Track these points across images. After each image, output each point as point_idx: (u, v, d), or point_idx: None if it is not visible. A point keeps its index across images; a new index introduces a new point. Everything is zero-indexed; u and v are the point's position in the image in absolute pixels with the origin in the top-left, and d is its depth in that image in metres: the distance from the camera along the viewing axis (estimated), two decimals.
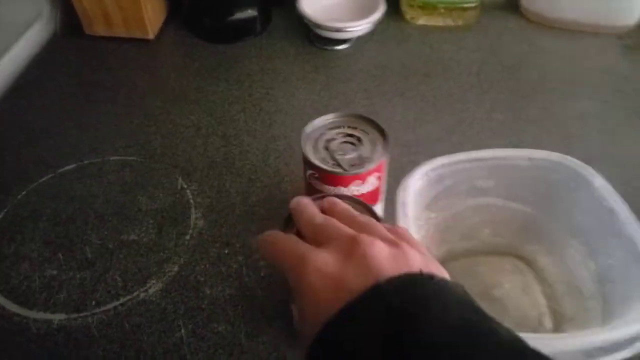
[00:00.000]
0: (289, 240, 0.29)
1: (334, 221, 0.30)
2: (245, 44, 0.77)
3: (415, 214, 0.46)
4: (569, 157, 0.45)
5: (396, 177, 0.57)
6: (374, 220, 0.31)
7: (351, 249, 0.26)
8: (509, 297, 0.47)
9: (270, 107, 0.67)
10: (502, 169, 0.46)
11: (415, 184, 0.44)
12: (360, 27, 0.73)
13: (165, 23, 0.80)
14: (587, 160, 0.59)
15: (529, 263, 0.49)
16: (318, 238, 0.29)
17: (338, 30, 0.72)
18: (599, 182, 0.43)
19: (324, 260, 0.26)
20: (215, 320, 0.46)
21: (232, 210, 0.55)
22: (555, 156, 0.45)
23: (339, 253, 0.26)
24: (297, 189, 0.51)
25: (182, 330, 0.45)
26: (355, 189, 0.44)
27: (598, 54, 0.74)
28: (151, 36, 0.77)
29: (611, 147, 0.61)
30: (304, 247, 0.28)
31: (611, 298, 0.40)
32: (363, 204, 0.39)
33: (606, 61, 0.73)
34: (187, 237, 0.52)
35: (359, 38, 0.76)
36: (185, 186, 0.57)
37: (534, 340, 0.31)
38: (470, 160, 0.46)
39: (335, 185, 0.43)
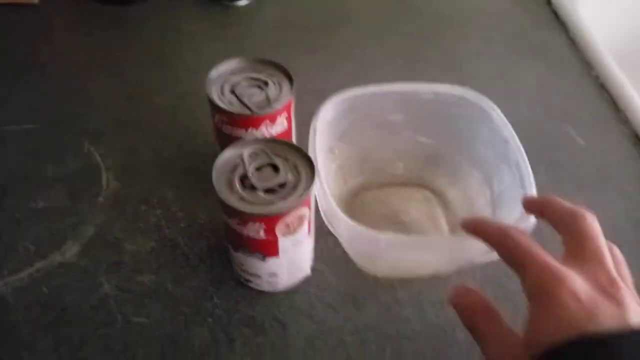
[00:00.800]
0: (536, 247, 0.29)
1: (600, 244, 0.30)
2: (140, 6, 0.74)
3: (330, 143, 0.49)
4: (470, 91, 0.48)
5: (307, 121, 0.59)
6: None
7: (609, 289, 0.27)
8: (414, 222, 0.51)
9: (177, 65, 0.66)
10: (410, 103, 0.49)
11: (328, 113, 0.47)
12: None
13: None
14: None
15: (438, 194, 0.53)
16: (577, 254, 0.29)
17: None
18: (496, 114, 0.47)
19: (581, 287, 0.26)
20: (139, 273, 0.46)
21: (144, 168, 0.54)
22: (457, 90, 0.49)
23: (595, 287, 0.27)
24: (209, 143, 0.51)
25: (106, 286, 0.45)
26: (267, 131, 0.45)
27: None
28: (35, 0, 0.72)
29: (500, 81, 0.66)
30: (555, 262, 0.28)
31: (499, 218, 0.45)
32: (284, 142, 0.41)
33: (488, 2, 0.79)
34: (101, 198, 0.52)
35: None
36: (93, 149, 0.56)
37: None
38: (381, 93, 0.48)
39: (245, 127, 0.44)
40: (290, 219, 0.37)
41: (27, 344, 0.41)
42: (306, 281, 0.46)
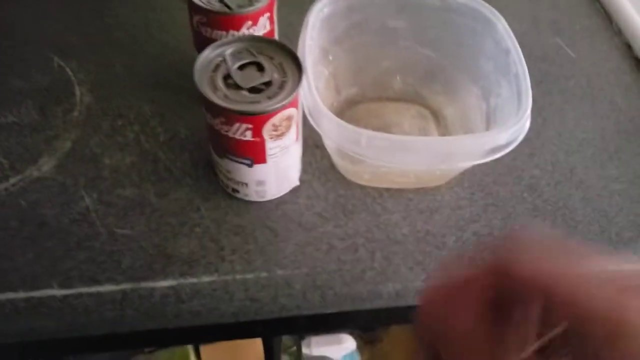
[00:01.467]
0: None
1: None
2: None
3: (325, 45, 0.46)
4: (478, 0, 0.46)
5: (294, 24, 0.54)
6: None
7: None
8: (406, 135, 0.49)
9: None
10: (412, 7, 0.47)
11: (324, 9, 0.44)
12: None
13: None
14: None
15: (434, 112, 0.51)
16: None
17: None
18: (502, 24, 0.44)
19: None
20: (121, 186, 0.44)
21: (119, 83, 0.51)
22: None
23: None
24: (186, 59, 0.49)
25: (87, 200, 0.43)
26: (248, 33, 0.42)
27: None
28: None
29: None
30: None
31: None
32: (269, 41, 0.38)
33: None
34: (75, 113, 0.49)
35: None
36: (63, 64, 0.53)
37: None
38: None
39: (226, 29, 0.42)
40: (277, 119, 0.36)
41: (6, 256, 0.40)
42: (294, 191, 0.45)
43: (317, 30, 0.42)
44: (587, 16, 0.62)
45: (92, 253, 0.40)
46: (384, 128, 0.49)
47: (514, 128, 0.39)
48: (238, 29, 0.42)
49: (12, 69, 0.52)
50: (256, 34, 0.43)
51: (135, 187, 0.44)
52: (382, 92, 0.51)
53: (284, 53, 0.38)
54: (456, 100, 0.50)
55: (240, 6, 0.41)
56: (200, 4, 0.41)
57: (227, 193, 0.44)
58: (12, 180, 0.44)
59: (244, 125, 0.35)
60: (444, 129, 0.50)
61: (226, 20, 0.41)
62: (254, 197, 0.43)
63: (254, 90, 0.36)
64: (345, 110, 0.49)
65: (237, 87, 0.36)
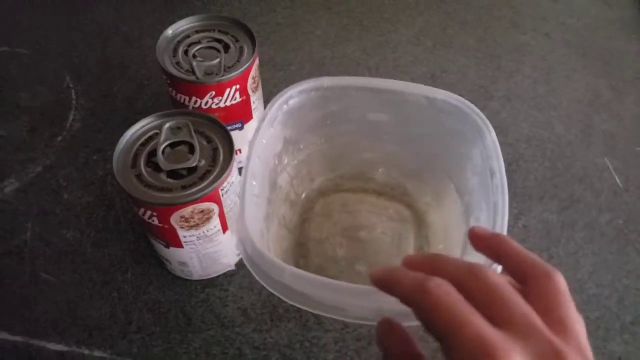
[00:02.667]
0: (466, 307, 0.21)
1: (515, 300, 0.22)
2: None
3: (293, 135, 0.42)
4: (467, 103, 0.39)
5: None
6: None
7: None
8: (375, 242, 0.43)
9: (183, 10, 0.61)
10: (395, 104, 0.41)
11: (290, 101, 0.40)
12: None
13: None
14: (509, 98, 0.54)
15: (418, 215, 0.45)
16: (493, 313, 0.21)
17: None
18: (491, 138, 0.37)
19: None
20: (66, 226, 0.43)
21: (113, 117, 0.51)
22: (453, 99, 0.39)
23: None
24: None
25: (29, 233, 0.43)
26: (212, 102, 0.40)
27: None
28: None
29: (540, 86, 0.55)
30: (493, 331, 0.20)
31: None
32: (213, 120, 0.35)
33: None
34: (59, 138, 0.49)
35: None
36: (72, 86, 0.53)
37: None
38: (359, 87, 0.40)
39: (189, 95, 0.39)
40: (187, 212, 0.32)
41: None
42: (228, 275, 0.41)
43: (281, 124, 0.38)
44: None
45: (7, 293, 0.40)
46: (353, 229, 0.43)
47: None
48: (201, 97, 0.39)
49: (24, 81, 0.54)
50: (222, 104, 0.40)
51: (78, 231, 0.43)
52: (362, 183, 0.45)
53: (224, 137, 0.35)
54: (442, 208, 0.43)
55: (207, 74, 0.39)
56: (168, 67, 0.39)
57: (159, 262, 0.41)
58: None
59: (149, 212, 0.32)
60: (423, 240, 0.43)
61: (189, 87, 0.38)
62: (179, 274, 0.40)
63: (173, 174, 0.33)
64: (318, 199, 0.45)
65: (158, 168, 0.33)
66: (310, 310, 0.32)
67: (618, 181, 0.48)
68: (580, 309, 0.40)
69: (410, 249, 0.42)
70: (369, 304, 0.30)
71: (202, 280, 0.41)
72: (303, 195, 0.45)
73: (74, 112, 0.51)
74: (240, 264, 0.41)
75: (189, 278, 0.40)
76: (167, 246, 0.36)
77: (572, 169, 0.49)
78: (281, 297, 0.31)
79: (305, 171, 0.44)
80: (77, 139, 0.49)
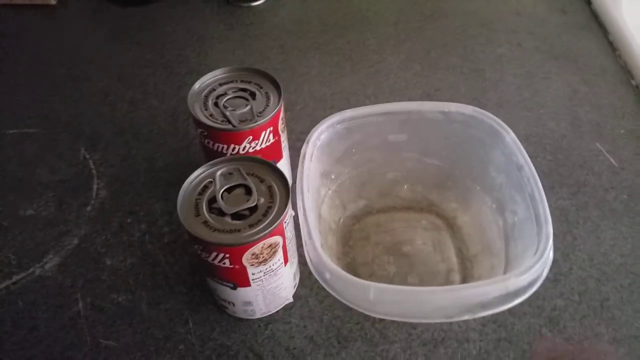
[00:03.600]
0: None
1: None
2: (156, 5, 0.73)
3: (326, 168, 0.45)
4: (481, 111, 0.43)
5: (310, 131, 0.56)
6: None
7: None
8: (420, 253, 0.46)
9: (182, 69, 0.64)
10: (414, 122, 0.45)
11: (321, 136, 0.43)
12: None
13: None
14: (501, 104, 0.59)
15: (448, 221, 0.48)
16: None
17: None
18: (510, 137, 0.41)
19: None
20: (115, 291, 0.44)
21: (137, 178, 0.52)
22: (467, 109, 0.43)
23: None
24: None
25: (80, 304, 0.43)
26: (250, 146, 0.42)
27: None
28: (53, 1, 0.72)
29: (526, 90, 0.60)
30: None
31: (512, 255, 0.40)
32: (261, 161, 0.38)
33: (523, 4, 0.72)
34: (89, 208, 0.50)
35: None
36: (88, 156, 0.55)
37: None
38: (379, 113, 0.44)
39: (227, 143, 0.41)
40: (258, 248, 0.34)
41: None
42: (288, 308, 0.42)
43: (316, 159, 0.41)
44: (632, 119, 0.57)
45: None
46: (395, 247, 0.46)
47: (534, 268, 0.34)
48: (239, 143, 0.41)
49: (43, 159, 0.54)
50: (258, 147, 0.42)
51: (129, 293, 0.44)
52: (389, 202, 0.48)
53: (275, 175, 0.37)
54: (469, 209, 0.46)
55: (242, 121, 0.41)
56: (202, 118, 0.41)
57: (218, 306, 0.42)
58: (15, 278, 0.45)
59: (222, 254, 0.34)
60: (460, 242, 0.46)
61: (226, 136, 0.41)
62: (242, 315, 0.41)
63: (237, 216, 0.35)
64: (354, 224, 0.47)
65: (221, 212, 0.35)
66: (395, 319, 0.35)
67: (613, 162, 0.53)
68: (612, 278, 0.44)
69: (451, 253, 0.45)
70: (452, 300, 0.32)
71: (264, 317, 0.42)
72: (339, 223, 0.47)
73: (97, 180, 0.52)
74: (296, 296, 0.43)
75: (251, 318, 0.41)
76: (235, 287, 0.37)
77: (571, 157, 0.53)
78: (367, 312, 0.33)
79: (338, 200, 0.47)
80: (106, 206, 0.50)
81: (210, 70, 0.44)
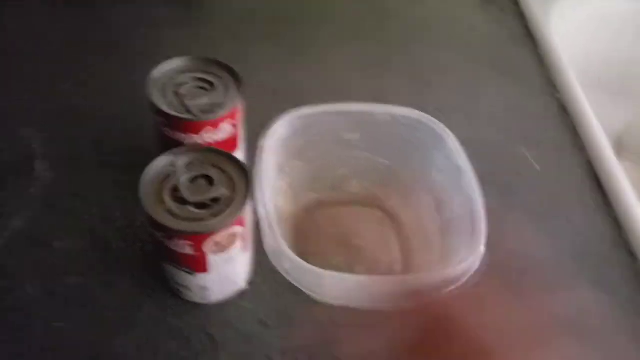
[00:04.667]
0: None
1: None
2: None
3: (281, 161, 0.47)
4: (426, 116, 0.47)
5: (263, 123, 0.57)
6: None
7: None
8: (366, 245, 0.49)
9: (131, 52, 0.63)
10: (366, 123, 0.48)
11: (279, 131, 0.45)
12: None
13: None
14: (440, 110, 0.63)
15: (392, 216, 0.51)
16: None
17: None
18: (452, 140, 0.45)
19: None
20: (65, 274, 0.44)
21: (85, 161, 0.52)
22: (414, 114, 0.47)
23: None
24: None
25: (28, 287, 0.43)
26: (208, 137, 0.43)
27: (459, 7, 0.78)
28: None
29: (463, 97, 0.65)
30: None
31: (448, 249, 0.44)
32: (222, 153, 0.39)
33: (464, 14, 0.77)
34: (33, 189, 0.49)
35: None
36: (30, 137, 0.53)
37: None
38: (337, 112, 0.47)
39: (185, 132, 0.42)
40: (219, 237, 0.36)
41: None
42: (241, 294, 0.44)
43: (274, 152, 0.43)
44: (555, 128, 0.63)
45: (24, 346, 0.39)
46: (346, 239, 0.49)
47: (469, 260, 0.39)
48: (197, 133, 0.42)
49: None
50: (216, 138, 0.43)
51: (80, 276, 0.44)
52: (339, 196, 0.51)
53: (236, 168, 0.39)
54: (412, 206, 0.50)
55: (203, 111, 0.42)
56: (163, 107, 0.42)
57: (172, 291, 0.43)
58: None
59: (184, 242, 0.35)
60: (403, 236, 0.50)
61: (185, 125, 0.42)
62: (197, 300, 0.42)
63: (200, 205, 0.36)
64: (305, 216, 0.50)
65: (184, 201, 0.36)
66: (344, 304, 0.38)
67: (537, 167, 0.59)
68: (530, 270, 0.49)
69: (395, 246, 0.49)
70: (397, 288, 0.36)
71: (218, 302, 0.43)
72: (292, 214, 0.49)
73: (41, 161, 0.51)
74: (249, 282, 0.45)
75: (205, 302, 0.43)
76: (193, 273, 0.39)
77: (501, 162, 0.59)
78: (319, 298, 0.36)
79: (291, 193, 0.49)
80: (52, 188, 0.49)
81: (159, 56, 0.45)
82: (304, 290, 0.37)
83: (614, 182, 0.56)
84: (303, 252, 0.47)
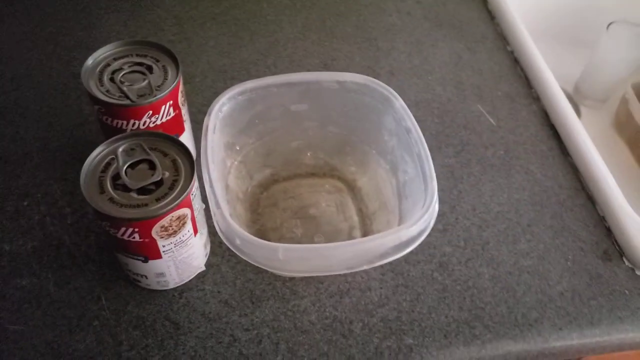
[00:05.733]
0: None
1: None
2: None
3: (229, 139, 0.46)
4: (373, 79, 0.46)
5: (211, 103, 0.56)
6: None
7: None
8: (324, 214, 0.49)
9: (68, 42, 0.61)
10: (313, 92, 0.47)
11: (223, 108, 0.44)
12: None
13: None
14: (393, 72, 0.63)
15: (349, 183, 0.51)
16: None
17: None
18: (399, 103, 0.45)
19: None
20: (18, 276, 0.43)
21: (29, 159, 0.50)
22: (360, 78, 0.46)
23: None
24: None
25: None
26: (150, 121, 0.42)
27: None
28: None
29: (415, 57, 0.65)
30: None
31: (404, 211, 0.44)
32: (163, 135, 0.38)
33: None
34: None
35: None
36: None
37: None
38: (280, 84, 0.46)
39: (126, 119, 0.41)
40: (166, 221, 0.35)
41: None
42: (201, 276, 0.44)
43: (219, 131, 0.42)
44: (508, 82, 0.63)
45: None
46: (302, 210, 0.49)
47: (422, 219, 0.38)
48: (139, 118, 0.41)
49: None
50: (159, 122, 0.42)
51: (34, 277, 0.43)
52: (294, 169, 0.51)
53: (178, 149, 0.38)
54: (367, 172, 0.50)
55: (140, 96, 0.41)
56: (99, 95, 0.40)
57: (130, 281, 0.43)
58: None
59: (131, 229, 0.35)
60: (359, 202, 0.50)
61: (125, 111, 0.40)
62: (156, 287, 0.42)
63: (143, 191, 0.35)
64: (261, 192, 0.49)
65: (126, 188, 0.35)
66: (304, 275, 0.38)
67: (492, 121, 0.59)
68: (491, 224, 0.50)
69: (352, 212, 0.49)
70: (351, 254, 0.36)
71: (178, 287, 0.43)
72: (247, 192, 0.49)
73: None
74: (208, 264, 0.44)
75: (165, 288, 0.42)
76: (146, 260, 0.38)
77: (456, 119, 0.59)
78: (277, 272, 0.36)
79: (244, 171, 0.48)
80: None
81: (100, 43, 0.43)
82: (259, 265, 0.37)
83: (570, 130, 0.57)
84: (261, 229, 0.47)
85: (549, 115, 0.60)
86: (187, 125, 0.47)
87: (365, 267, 0.38)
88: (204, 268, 0.44)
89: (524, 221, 0.51)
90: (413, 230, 0.38)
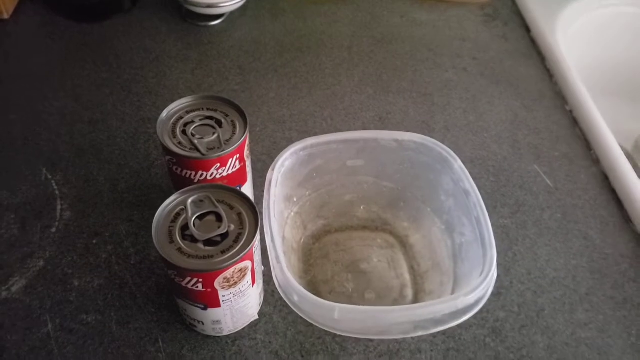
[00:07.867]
0: None
1: None
2: (113, 22, 0.73)
3: (288, 192, 0.48)
4: (432, 139, 0.47)
5: (270, 153, 0.59)
6: None
7: None
8: (376, 270, 0.49)
9: (140, 89, 0.65)
10: (370, 150, 0.48)
11: (285, 163, 0.46)
12: (233, 2, 0.72)
13: (22, 1, 0.74)
14: (448, 128, 0.64)
15: (401, 239, 0.51)
16: None
17: (210, 5, 0.71)
18: (458, 165, 0.46)
19: None
20: (85, 312, 0.45)
21: (100, 199, 0.53)
22: (419, 138, 0.47)
23: None
24: (167, 174, 0.51)
25: (49, 325, 0.44)
26: (217, 173, 0.44)
27: (461, 24, 0.79)
28: (5, 16, 0.71)
29: (471, 114, 0.65)
30: None
31: (460, 275, 0.44)
32: (230, 189, 0.40)
33: (467, 31, 0.78)
34: (53, 229, 0.51)
35: (232, 13, 0.75)
36: (50, 177, 0.55)
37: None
38: (340, 141, 0.48)
39: (195, 170, 0.43)
40: (229, 273, 0.37)
41: None
42: (253, 325, 0.45)
43: (280, 184, 0.44)
44: (566, 142, 0.63)
45: None
46: (354, 264, 0.49)
47: (480, 287, 0.38)
48: (207, 170, 0.43)
49: (3, 181, 0.54)
50: (225, 174, 0.44)
51: (98, 314, 0.45)
52: (347, 221, 0.52)
53: (244, 203, 0.39)
54: (421, 229, 0.50)
55: (210, 149, 0.43)
56: (172, 147, 0.43)
57: (186, 325, 0.44)
58: None
59: (195, 279, 0.36)
60: (411, 259, 0.50)
61: (195, 163, 0.43)
62: (210, 333, 0.43)
63: (209, 242, 0.37)
64: (314, 244, 0.50)
65: (194, 239, 0.37)
66: (358, 336, 0.38)
67: (549, 183, 0.59)
68: (547, 290, 0.49)
69: (404, 270, 0.49)
70: (406, 319, 0.36)
71: (231, 334, 0.44)
72: (301, 242, 0.50)
73: (60, 201, 0.53)
74: (261, 313, 0.45)
75: (219, 335, 0.44)
76: (205, 308, 0.39)
77: (512, 179, 0.59)
78: (331, 330, 0.36)
79: (299, 221, 0.50)
80: (71, 227, 0.51)
81: (168, 90, 0.46)
82: (312, 322, 0.37)
83: (631, 195, 0.56)
84: (313, 280, 0.48)
85: (609, 179, 0.59)
86: (249, 176, 0.49)
87: (418, 334, 0.38)
88: (257, 317, 0.45)
89: (582, 289, 0.50)
90: (470, 299, 0.38)
